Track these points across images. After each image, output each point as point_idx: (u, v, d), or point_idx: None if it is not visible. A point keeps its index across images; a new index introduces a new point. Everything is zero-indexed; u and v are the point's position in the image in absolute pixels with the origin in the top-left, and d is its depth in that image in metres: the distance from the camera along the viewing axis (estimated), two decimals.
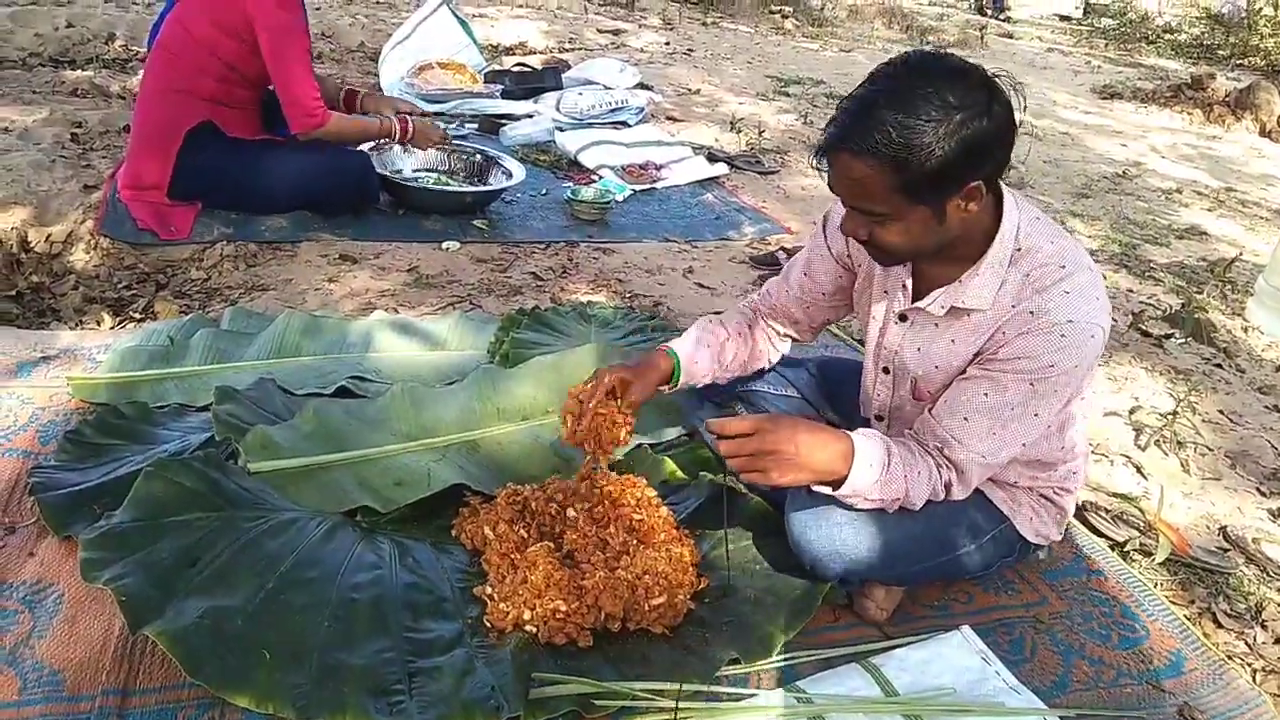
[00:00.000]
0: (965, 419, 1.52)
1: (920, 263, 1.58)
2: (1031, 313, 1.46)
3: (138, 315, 2.54)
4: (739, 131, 5.02)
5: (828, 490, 1.52)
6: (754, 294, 1.96)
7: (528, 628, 1.57)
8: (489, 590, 1.64)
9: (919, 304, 1.58)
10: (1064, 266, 1.48)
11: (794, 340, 1.95)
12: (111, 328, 2.46)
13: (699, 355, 1.81)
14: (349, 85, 3.52)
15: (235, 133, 3.06)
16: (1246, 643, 1.84)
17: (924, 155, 1.33)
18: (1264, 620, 1.90)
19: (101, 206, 3.08)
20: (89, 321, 2.49)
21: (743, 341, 1.88)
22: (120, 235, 2.92)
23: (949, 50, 1.45)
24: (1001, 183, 1.50)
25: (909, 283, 1.61)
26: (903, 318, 1.64)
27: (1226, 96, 7.24)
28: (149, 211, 2.99)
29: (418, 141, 3.41)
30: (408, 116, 3.35)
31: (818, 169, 1.45)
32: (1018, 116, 1.40)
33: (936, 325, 1.59)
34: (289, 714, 1.35)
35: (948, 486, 1.56)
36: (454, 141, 3.69)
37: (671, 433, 2.17)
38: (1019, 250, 1.50)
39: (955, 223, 1.44)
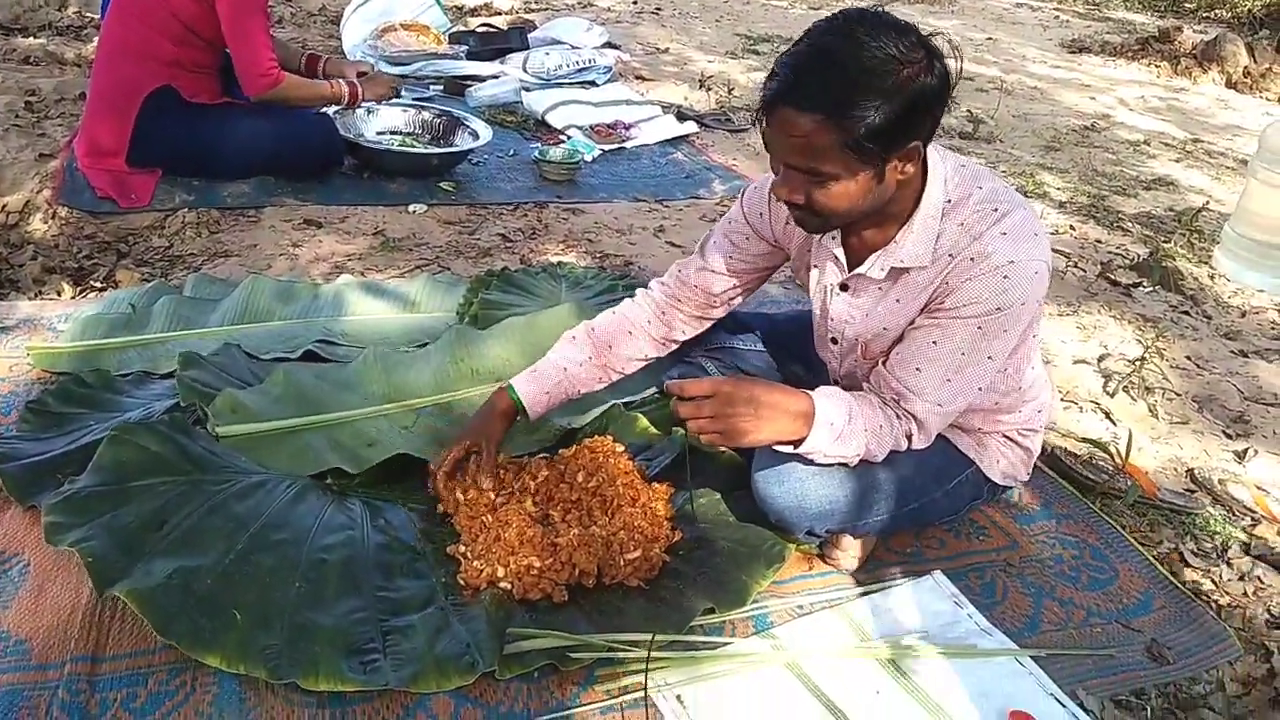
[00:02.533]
0: (918, 369, 1.51)
1: (849, 231, 1.55)
2: (972, 259, 1.45)
3: (99, 284, 2.50)
4: (708, 90, 4.98)
5: (790, 449, 1.52)
6: (665, 278, 1.83)
7: (502, 584, 1.56)
8: (462, 549, 1.63)
9: (859, 270, 1.56)
10: (997, 209, 1.47)
11: (709, 320, 1.84)
12: (72, 297, 2.41)
13: (538, 391, 1.77)
14: (310, 50, 3.45)
15: (195, 97, 3.00)
16: (1213, 580, 1.86)
17: (871, 110, 1.29)
18: (1229, 558, 1.93)
19: (59, 175, 3.02)
20: (49, 291, 2.44)
21: (643, 335, 1.80)
22: (79, 204, 2.86)
23: (885, 8, 1.41)
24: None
25: (839, 253, 1.58)
26: (844, 287, 1.62)
27: (1193, 49, 7.25)
28: (108, 180, 2.93)
29: (369, 97, 3.34)
30: (355, 81, 3.28)
31: (756, 126, 1.41)
32: (954, 71, 1.37)
33: (880, 289, 1.57)
34: (261, 674, 1.34)
35: (909, 437, 1.56)
36: (413, 100, 3.63)
37: (645, 390, 2.16)
38: (949, 202, 1.48)
39: (892, 184, 1.41)
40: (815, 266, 1.65)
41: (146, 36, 2.88)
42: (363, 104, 3.36)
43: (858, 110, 1.30)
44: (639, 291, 1.86)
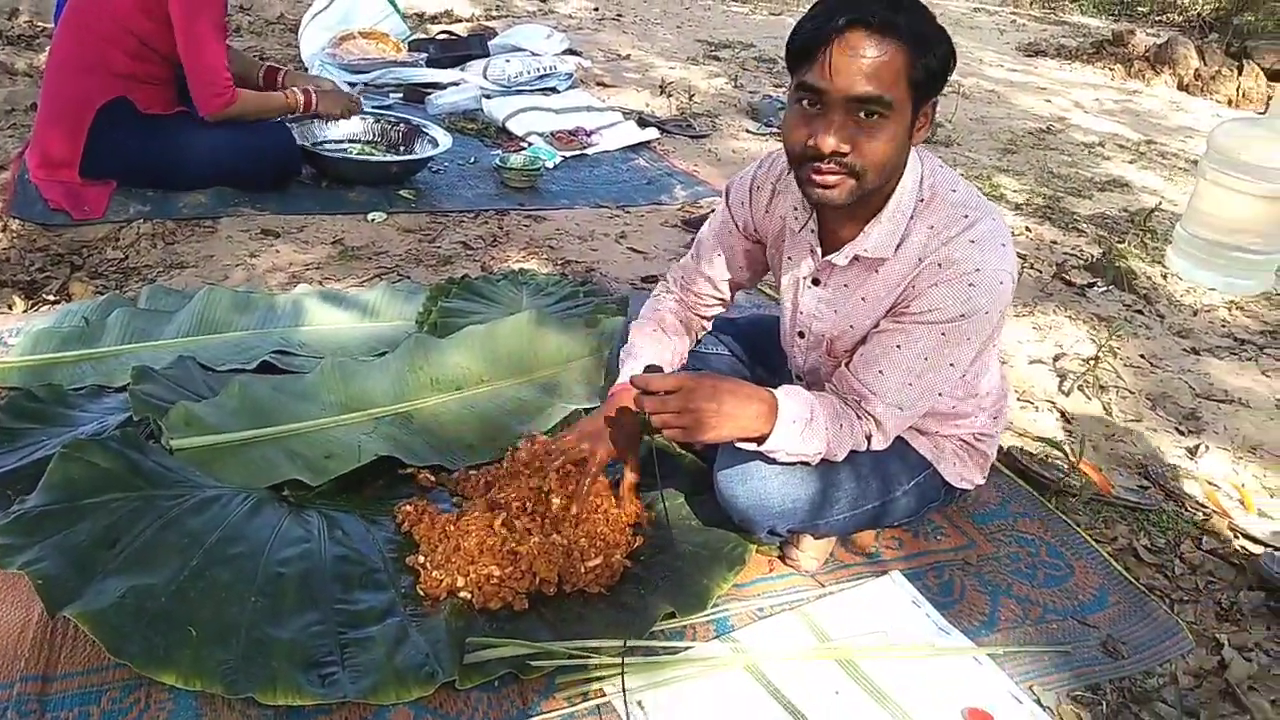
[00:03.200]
0: (880, 372, 1.53)
1: (826, 224, 1.58)
2: (939, 264, 1.48)
3: (51, 297, 2.46)
4: (669, 96, 5.00)
5: (752, 446, 1.53)
6: (669, 280, 1.92)
7: (462, 594, 1.56)
8: (421, 559, 1.63)
9: (828, 258, 1.58)
10: (967, 216, 1.49)
11: (726, 307, 1.95)
12: (24, 311, 2.37)
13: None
14: (269, 62, 3.43)
15: (150, 108, 2.97)
16: (1166, 575, 1.90)
17: (936, 50, 1.38)
18: (1182, 553, 1.96)
19: (10, 187, 2.97)
20: None
21: (682, 338, 1.88)
22: (31, 216, 2.82)
23: None
24: None
25: (817, 247, 1.61)
26: (815, 281, 1.64)
27: (1146, 52, 7.39)
28: (61, 191, 2.89)
29: (324, 111, 3.33)
30: (311, 90, 3.26)
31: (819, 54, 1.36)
32: None
33: (847, 285, 1.59)
34: (217, 689, 1.33)
35: (868, 438, 1.58)
36: (373, 107, 3.61)
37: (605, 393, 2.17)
38: (923, 200, 1.51)
39: (907, 146, 1.45)
40: (789, 257, 1.67)
41: (99, 49, 2.84)
42: (318, 117, 3.33)
43: (924, 43, 1.37)
44: (659, 286, 1.94)
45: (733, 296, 1.92)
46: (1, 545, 1.42)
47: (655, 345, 1.81)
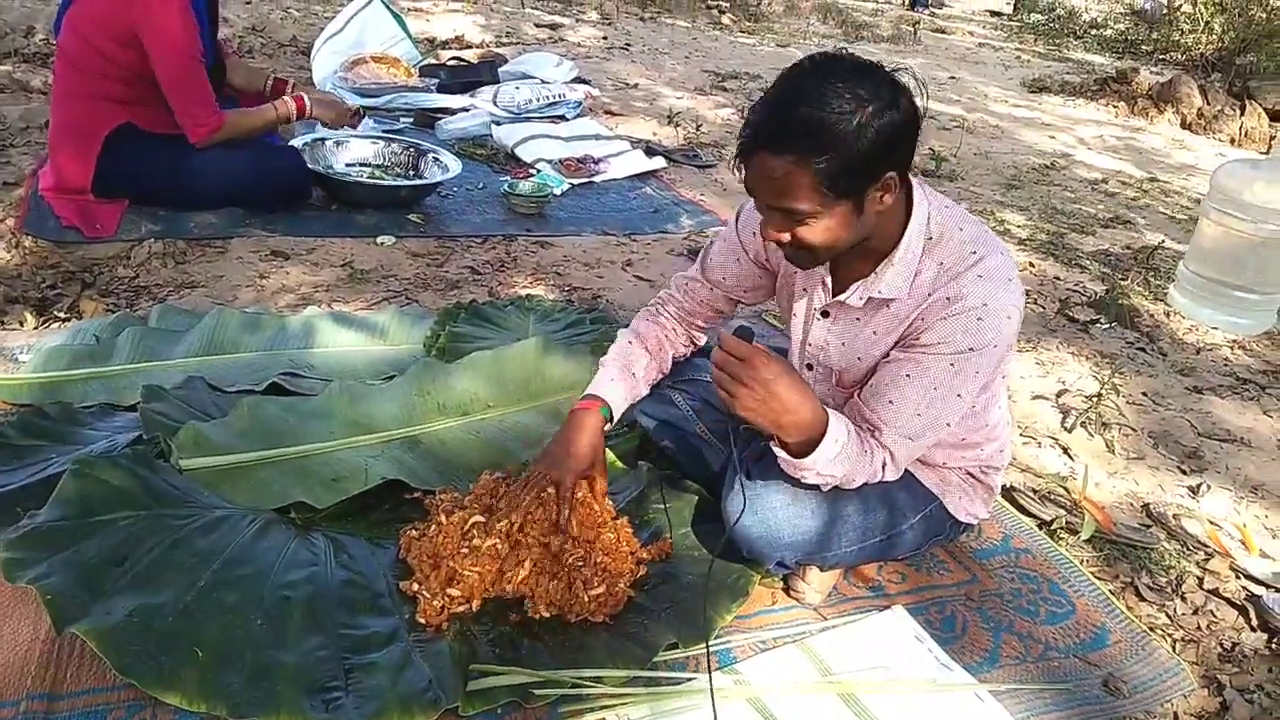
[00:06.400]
0: (890, 402, 1.55)
1: (837, 260, 1.59)
2: (948, 299, 1.50)
3: (62, 315, 2.48)
4: (677, 125, 5.04)
5: (783, 454, 1.53)
6: (667, 291, 1.95)
7: (459, 608, 1.57)
8: (415, 586, 1.63)
9: (839, 297, 1.60)
10: (975, 252, 1.52)
11: (711, 331, 1.96)
12: (35, 328, 2.39)
13: (622, 390, 1.81)
14: (277, 75, 3.44)
15: (157, 128, 2.97)
16: (1168, 614, 1.90)
17: (842, 147, 1.35)
18: (1184, 593, 1.97)
19: (23, 204, 3.00)
20: (11, 321, 2.42)
21: (664, 346, 1.89)
22: (43, 233, 2.84)
23: (847, 51, 1.47)
24: (910, 176, 1.53)
25: (828, 280, 1.63)
26: (825, 314, 1.66)
27: (1150, 90, 7.46)
28: (73, 209, 2.91)
29: (319, 117, 3.28)
30: (304, 96, 3.22)
31: (735, 173, 1.46)
32: (921, 105, 1.43)
33: (858, 319, 1.62)
34: (222, 712, 1.33)
35: (883, 467, 1.59)
36: (383, 131, 3.62)
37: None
38: (930, 239, 1.54)
39: (872, 216, 1.46)
40: (804, 290, 1.69)
41: (95, 82, 2.86)
42: (314, 120, 3.25)
43: (827, 150, 1.35)
44: (655, 300, 1.95)
45: (731, 313, 1.93)
46: (11, 559, 1.43)
47: (629, 361, 1.84)
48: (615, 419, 1.81)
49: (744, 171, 1.44)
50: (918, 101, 1.43)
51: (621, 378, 1.82)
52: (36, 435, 1.88)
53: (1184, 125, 7.03)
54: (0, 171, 3.23)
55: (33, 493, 1.66)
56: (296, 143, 3.33)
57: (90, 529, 1.52)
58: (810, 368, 1.73)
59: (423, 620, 1.57)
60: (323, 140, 3.54)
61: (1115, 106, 7.36)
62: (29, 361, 2.15)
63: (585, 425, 1.75)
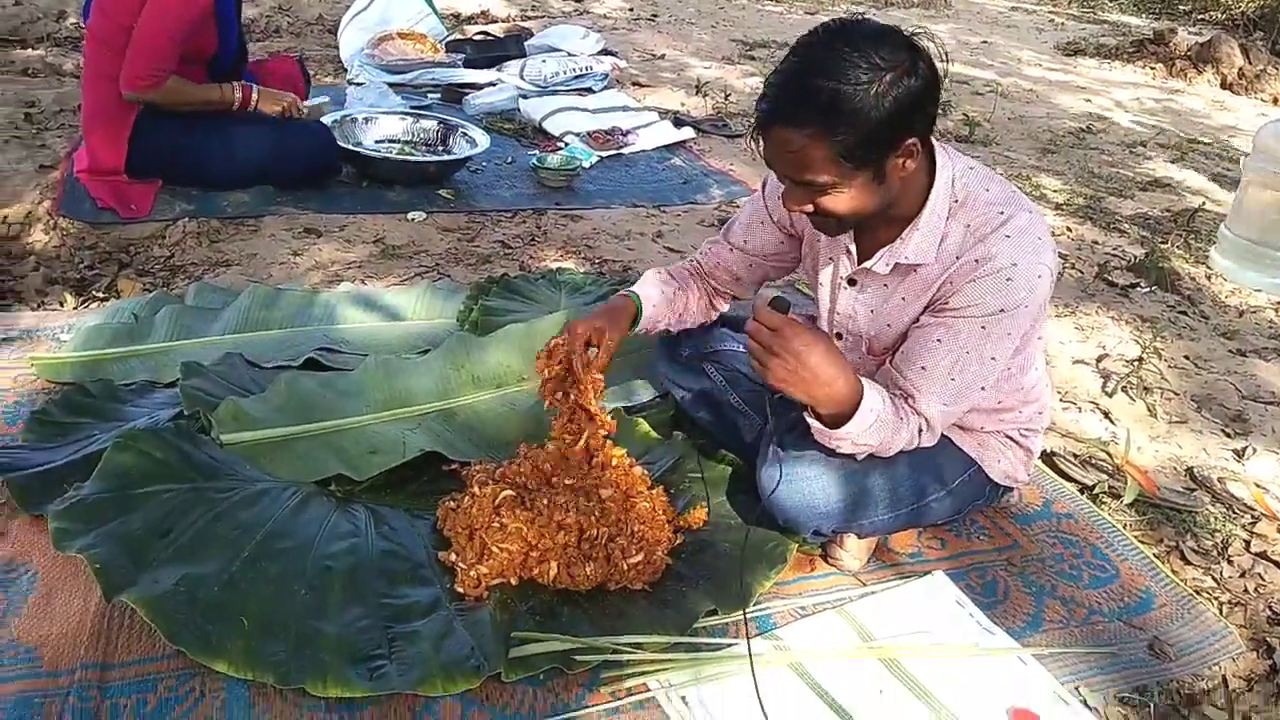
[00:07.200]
0: (923, 367, 1.52)
1: (862, 227, 1.57)
2: (977, 260, 1.47)
3: (101, 295, 2.51)
4: (705, 95, 5.00)
5: (817, 424, 1.52)
6: (695, 254, 1.94)
7: (494, 581, 1.58)
8: (453, 557, 1.64)
9: (865, 265, 1.58)
10: (1003, 212, 1.48)
11: (734, 298, 1.95)
12: (74, 308, 2.42)
13: (657, 300, 1.81)
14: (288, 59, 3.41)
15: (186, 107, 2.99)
16: (1214, 578, 1.87)
17: (859, 118, 1.32)
18: (1230, 555, 1.94)
19: (59, 186, 3.03)
20: (51, 302, 2.45)
21: (692, 295, 1.89)
22: (79, 215, 2.87)
23: (867, 16, 1.43)
24: (933, 139, 1.50)
25: (852, 247, 1.61)
26: (851, 282, 1.64)
27: (1188, 51, 7.29)
28: (108, 190, 2.94)
29: (263, 109, 3.15)
30: (251, 85, 3.14)
31: (753, 147, 1.44)
32: (941, 68, 1.40)
33: (886, 285, 1.59)
34: (269, 680, 1.35)
35: (919, 433, 1.57)
36: (411, 108, 3.59)
37: (645, 395, 2.17)
38: (956, 202, 1.51)
39: (895, 182, 1.44)
40: (829, 259, 1.67)
41: (122, 61, 2.86)
42: (260, 111, 3.15)
43: (844, 122, 1.33)
44: (677, 264, 1.93)
45: (752, 289, 1.91)
46: (59, 529, 1.45)
47: (663, 282, 1.84)
48: (643, 318, 1.80)
49: (762, 145, 1.42)
50: (937, 64, 1.39)
51: (654, 284, 1.82)
52: (79, 413, 1.91)
53: (1224, 86, 6.87)
54: (36, 155, 3.26)
55: (77, 468, 1.69)
56: (326, 120, 3.34)
57: (134, 501, 1.54)
58: (840, 336, 1.71)
59: (461, 590, 1.58)
60: (352, 118, 3.55)
61: (1153, 68, 7.20)
62: (70, 341, 2.18)
63: (612, 302, 1.79)
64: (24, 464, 1.74)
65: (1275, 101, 6.62)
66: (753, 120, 1.42)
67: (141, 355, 2.15)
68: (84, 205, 2.91)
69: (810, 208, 1.45)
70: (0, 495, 1.69)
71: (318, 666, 1.38)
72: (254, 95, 3.13)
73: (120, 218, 2.88)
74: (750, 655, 1.44)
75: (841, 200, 1.42)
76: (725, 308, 1.97)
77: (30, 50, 4.54)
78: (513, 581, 1.60)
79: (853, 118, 1.32)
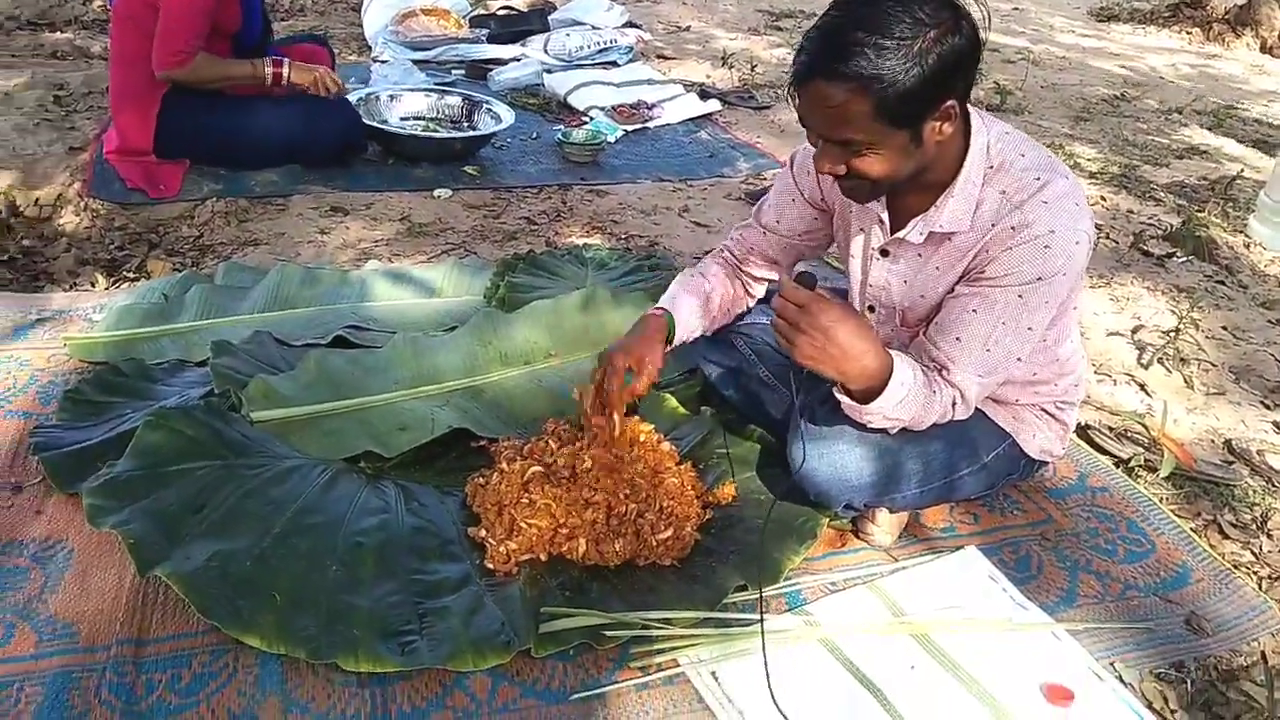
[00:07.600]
0: (958, 339, 1.50)
1: (894, 195, 1.54)
2: (1013, 228, 1.44)
3: (131, 275, 2.53)
4: (731, 67, 4.95)
5: (846, 400, 1.50)
6: (726, 240, 1.91)
7: (524, 556, 1.59)
8: (483, 533, 1.64)
9: (898, 234, 1.55)
10: (1039, 178, 1.45)
11: (770, 281, 1.91)
12: (106, 288, 2.44)
13: (687, 310, 1.78)
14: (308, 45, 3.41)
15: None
16: (1253, 552, 1.84)
17: (900, 76, 1.29)
18: (1269, 530, 1.90)
19: (89, 168, 3.05)
20: (82, 283, 2.47)
21: (725, 289, 1.85)
22: (109, 196, 2.89)
23: None
24: (969, 104, 1.46)
25: (884, 216, 1.57)
26: (884, 253, 1.61)
27: (1226, 14, 7.12)
28: (137, 171, 2.96)
29: (295, 81, 3.11)
30: (282, 59, 3.10)
31: (789, 102, 1.41)
32: (983, 34, 1.36)
33: (920, 255, 1.56)
34: (301, 654, 1.36)
35: (953, 405, 1.54)
36: (435, 84, 3.56)
37: (672, 370, 2.16)
38: (991, 168, 1.47)
39: (930, 146, 1.40)
40: (860, 229, 1.64)
41: (150, 42, 2.85)
42: (294, 85, 3.12)
43: (886, 76, 1.29)
44: (709, 256, 1.90)
45: (788, 270, 1.87)
46: (93, 506, 1.47)
47: (692, 287, 1.81)
48: (677, 332, 1.77)
49: (797, 101, 1.39)
50: (979, 22, 1.36)
51: (685, 292, 1.80)
52: (112, 391, 1.93)
53: (1264, 49, 6.71)
54: (66, 137, 3.29)
55: (111, 447, 1.71)
56: (351, 98, 3.33)
57: (167, 478, 1.55)
58: (872, 309, 1.68)
59: (491, 566, 1.59)
60: (377, 95, 3.54)
61: (1189, 33, 7.05)
62: (102, 321, 2.20)
63: (645, 321, 1.75)
64: (58, 443, 1.76)
65: None
66: (790, 75, 1.38)
67: (172, 334, 2.17)
68: (113, 186, 2.93)
69: (843, 169, 1.41)
70: (36, 474, 1.72)
71: (349, 642, 1.39)
72: (285, 69, 3.10)
73: (149, 198, 2.89)
74: (763, 631, 1.42)
75: (876, 162, 1.39)
76: (760, 292, 1.92)
77: (59, 33, 4.57)
78: (542, 557, 1.60)
79: (894, 73, 1.29)
